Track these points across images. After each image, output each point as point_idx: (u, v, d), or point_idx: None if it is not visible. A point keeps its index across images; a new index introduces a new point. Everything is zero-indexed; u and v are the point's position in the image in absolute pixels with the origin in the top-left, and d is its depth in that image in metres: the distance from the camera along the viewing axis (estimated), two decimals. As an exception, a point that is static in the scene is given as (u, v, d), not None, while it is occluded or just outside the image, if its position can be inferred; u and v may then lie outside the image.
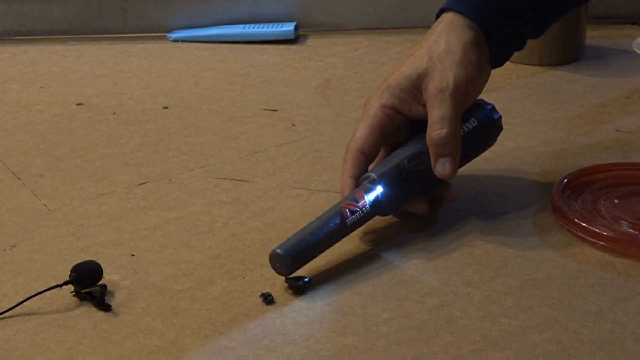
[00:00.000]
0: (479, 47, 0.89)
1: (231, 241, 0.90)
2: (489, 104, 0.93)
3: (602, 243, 0.86)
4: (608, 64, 1.31)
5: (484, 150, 0.95)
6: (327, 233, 0.84)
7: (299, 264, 0.83)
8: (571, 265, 0.84)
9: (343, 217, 0.85)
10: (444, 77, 0.88)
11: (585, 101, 1.19)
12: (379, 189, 0.87)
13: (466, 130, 0.90)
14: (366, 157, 0.89)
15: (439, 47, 0.89)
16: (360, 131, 0.90)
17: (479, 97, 0.92)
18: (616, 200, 0.92)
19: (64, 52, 1.46)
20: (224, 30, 1.49)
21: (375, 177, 0.87)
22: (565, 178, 0.94)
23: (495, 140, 0.95)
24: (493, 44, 0.90)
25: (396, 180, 0.87)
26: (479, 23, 0.90)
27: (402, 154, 0.89)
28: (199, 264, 0.87)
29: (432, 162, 0.88)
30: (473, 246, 0.88)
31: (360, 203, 0.86)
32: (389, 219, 0.92)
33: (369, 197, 0.86)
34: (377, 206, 0.87)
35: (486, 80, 0.92)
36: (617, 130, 1.10)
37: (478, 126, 0.92)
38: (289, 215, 0.94)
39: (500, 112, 0.94)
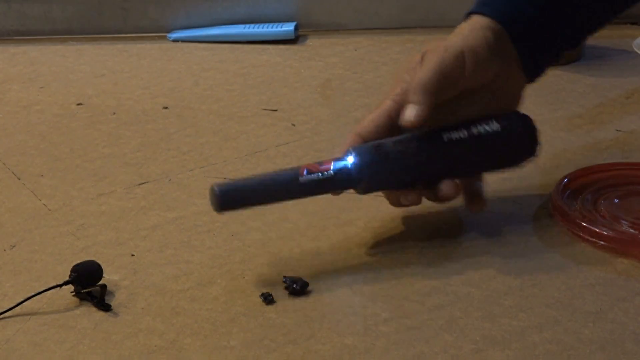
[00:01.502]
0: (494, 35, 0.88)
1: (231, 241, 0.90)
2: (525, 115, 0.89)
3: (602, 243, 0.86)
4: (608, 64, 1.31)
5: (509, 163, 0.90)
6: (273, 183, 0.84)
7: (230, 204, 0.83)
8: (571, 265, 0.84)
9: (297, 175, 0.84)
10: (440, 43, 0.88)
11: (585, 101, 1.19)
12: (349, 159, 0.85)
13: (482, 132, 0.87)
14: (364, 140, 0.88)
15: (451, 33, 0.90)
16: (365, 117, 0.89)
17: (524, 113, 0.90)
18: (616, 200, 0.92)
19: (64, 52, 1.46)
20: (224, 30, 1.49)
21: (350, 148, 0.86)
22: (565, 178, 0.94)
23: (524, 155, 0.89)
24: (518, 41, 0.89)
25: (374, 156, 0.85)
26: (498, 19, 0.89)
27: (394, 138, 0.87)
28: (199, 264, 0.87)
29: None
30: (473, 246, 0.88)
31: (323, 166, 0.84)
32: (389, 219, 0.92)
33: (337, 164, 0.85)
34: (346, 176, 0.85)
35: (510, 79, 0.90)
36: (617, 130, 1.10)
37: (500, 132, 0.87)
38: (289, 215, 0.94)
39: (535, 126, 0.89)
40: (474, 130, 0.87)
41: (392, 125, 0.89)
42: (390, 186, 0.88)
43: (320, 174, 0.84)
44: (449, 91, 0.88)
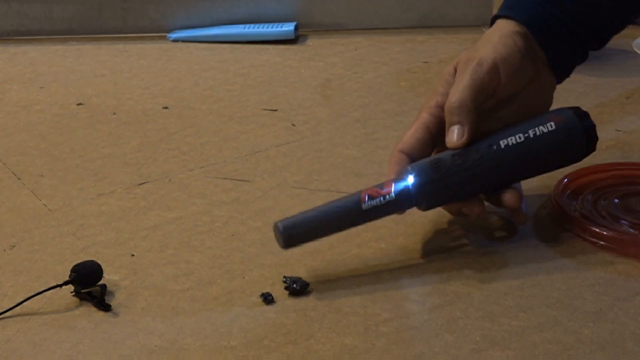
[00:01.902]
0: (523, 39, 0.88)
1: (231, 241, 0.90)
2: (581, 111, 0.88)
3: (602, 243, 0.86)
4: (608, 64, 1.31)
5: (567, 161, 0.89)
6: (337, 215, 0.83)
7: (296, 241, 0.83)
8: (571, 265, 0.84)
9: (359, 202, 0.83)
10: (471, 54, 0.87)
11: (585, 101, 1.19)
12: (410, 179, 0.84)
13: (538, 134, 0.85)
14: (409, 156, 0.87)
15: (479, 41, 0.89)
16: (404, 133, 0.89)
17: (575, 106, 0.89)
18: (616, 200, 0.92)
19: (64, 52, 1.46)
20: (224, 30, 1.49)
21: (409, 168, 0.85)
22: (565, 178, 0.94)
23: (581, 151, 0.88)
24: (545, 44, 0.89)
25: (432, 173, 0.84)
26: (525, 23, 0.89)
27: (451, 151, 0.86)
28: (199, 264, 0.87)
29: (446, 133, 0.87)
30: (473, 246, 0.88)
31: (384, 190, 0.83)
32: (389, 219, 0.92)
33: (397, 186, 0.84)
34: (407, 197, 0.84)
35: (540, 81, 0.90)
36: (617, 130, 1.10)
37: (556, 131, 0.86)
38: (289, 215, 0.94)
39: (593, 122, 0.88)
40: (531, 133, 0.86)
41: (432, 138, 0.88)
42: (452, 200, 0.87)
43: (381, 198, 0.83)
44: (487, 103, 0.88)
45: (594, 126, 0.88)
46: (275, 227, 0.83)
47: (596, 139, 0.88)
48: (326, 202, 0.84)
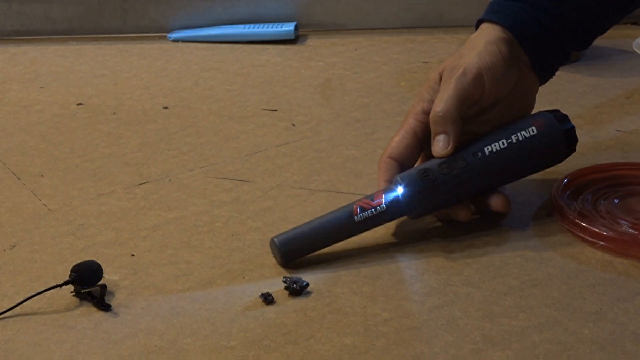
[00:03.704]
0: (507, 46, 0.89)
1: (231, 241, 0.90)
2: (560, 114, 0.91)
3: (602, 243, 0.86)
4: (608, 64, 1.31)
5: (549, 163, 0.92)
6: (331, 228, 0.85)
7: (293, 256, 0.85)
8: (571, 265, 0.84)
9: (352, 214, 0.85)
10: (456, 62, 0.89)
11: (585, 101, 1.19)
12: (399, 190, 0.86)
13: (521, 139, 0.88)
14: (398, 162, 0.90)
15: (464, 46, 0.91)
16: (392, 139, 0.91)
17: (555, 109, 0.92)
18: (616, 200, 0.92)
19: (64, 52, 1.46)
20: (224, 30, 1.49)
21: (398, 178, 0.87)
22: (565, 178, 0.94)
23: (562, 153, 0.91)
24: (529, 49, 0.90)
25: (421, 182, 0.86)
26: (509, 28, 0.90)
27: (437, 159, 0.88)
28: (199, 264, 0.87)
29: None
30: (473, 246, 0.88)
31: (375, 201, 0.86)
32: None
33: (387, 197, 0.86)
34: (397, 206, 0.86)
35: (524, 84, 0.91)
36: (617, 130, 1.10)
37: (538, 135, 0.89)
38: (289, 215, 0.94)
39: (573, 124, 0.91)
40: (513, 138, 0.88)
41: (419, 143, 0.90)
42: (440, 207, 0.89)
43: (373, 210, 0.86)
44: (472, 109, 0.90)
45: (573, 128, 0.91)
46: (272, 243, 0.85)
47: (576, 140, 0.91)
48: (319, 216, 0.86)
